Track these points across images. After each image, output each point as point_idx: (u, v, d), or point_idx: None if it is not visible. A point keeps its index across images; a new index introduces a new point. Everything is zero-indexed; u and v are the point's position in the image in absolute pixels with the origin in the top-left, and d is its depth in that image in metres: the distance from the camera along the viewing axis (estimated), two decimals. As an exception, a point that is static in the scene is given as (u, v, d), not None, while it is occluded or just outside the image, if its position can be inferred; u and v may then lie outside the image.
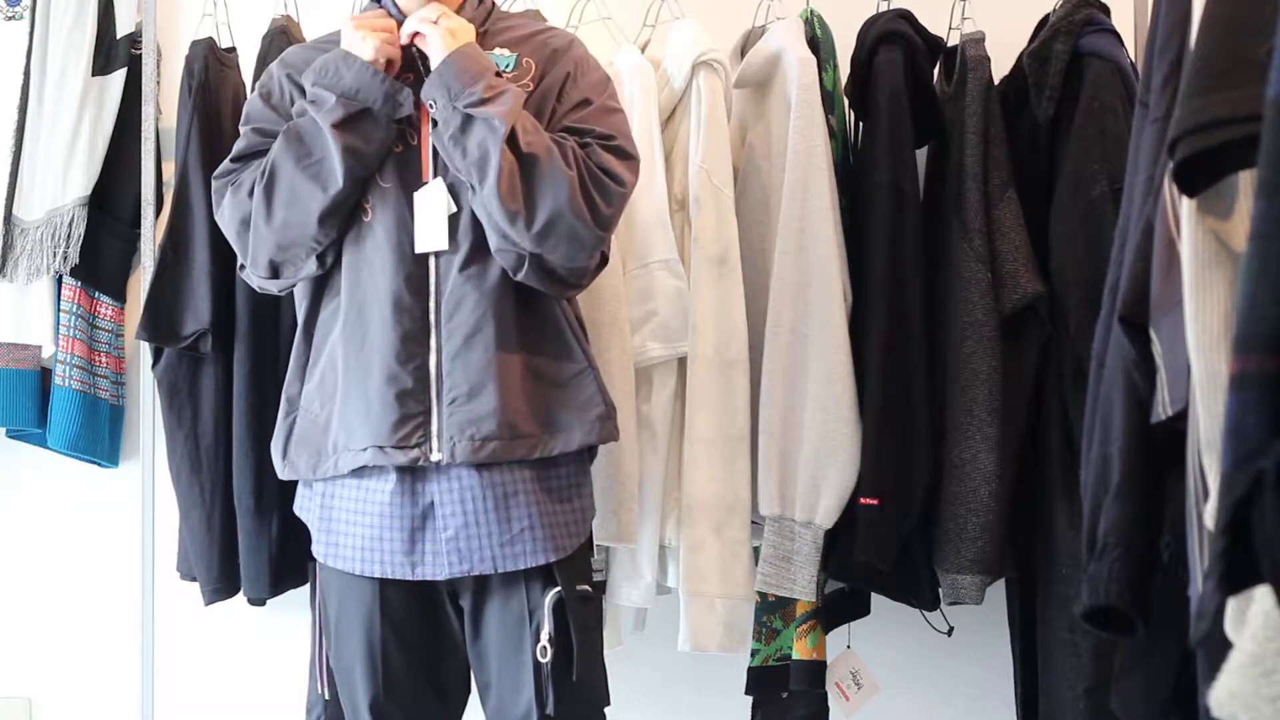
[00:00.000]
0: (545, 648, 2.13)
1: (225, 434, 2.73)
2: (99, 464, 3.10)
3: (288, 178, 2.10)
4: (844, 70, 2.75)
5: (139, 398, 3.08)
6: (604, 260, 2.18)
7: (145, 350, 2.91)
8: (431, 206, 2.13)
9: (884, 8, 2.79)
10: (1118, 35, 2.57)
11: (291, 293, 2.29)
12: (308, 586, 2.85)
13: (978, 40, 2.64)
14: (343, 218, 2.14)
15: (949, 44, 2.75)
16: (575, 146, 2.10)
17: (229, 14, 3.00)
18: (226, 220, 2.19)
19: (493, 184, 2.02)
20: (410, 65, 2.17)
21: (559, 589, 2.14)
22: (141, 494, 3.03)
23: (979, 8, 2.78)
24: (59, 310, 3.02)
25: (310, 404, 2.22)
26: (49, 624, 3.21)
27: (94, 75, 3.01)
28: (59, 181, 2.97)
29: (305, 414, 2.23)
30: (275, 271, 2.18)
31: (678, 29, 2.72)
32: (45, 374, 3.03)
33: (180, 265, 2.73)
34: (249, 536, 2.70)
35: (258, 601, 2.82)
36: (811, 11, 2.76)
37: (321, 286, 2.23)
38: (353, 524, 2.19)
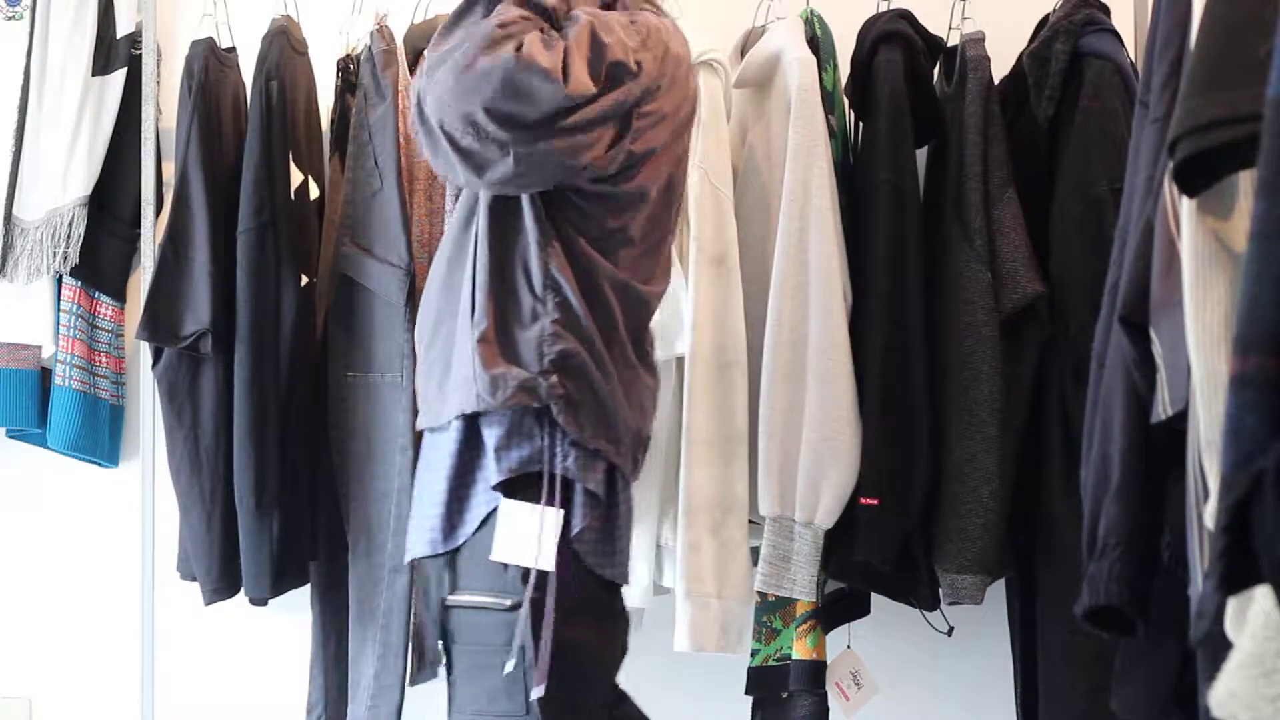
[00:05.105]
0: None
1: (225, 434, 2.73)
2: (99, 464, 3.10)
3: None
4: (844, 70, 2.75)
5: (139, 398, 3.08)
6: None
7: (145, 350, 2.90)
8: None
9: (884, 8, 2.79)
10: (1118, 35, 2.57)
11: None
12: (308, 586, 2.86)
13: (978, 40, 2.64)
14: None
15: (949, 44, 2.75)
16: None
17: (229, 14, 3.00)
18: None
19: None
20: None
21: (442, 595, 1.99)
22: (141, 494, 3.03)
23: (979, 8, 2.78)
24: (59, 310, 3.02)
25: None
26: (49, 624, 3.21)
27: (94, 75, 3.00)
28: (59, 181, 2.97)
29: None
30: None
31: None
32: (45, 374, 3.03)
33: (180, 265, 2.73)
34: (250, 536, 2.70)
35: (258, 601, 2.82)
36: (811, 11, 2.76)
37: None
38: None
